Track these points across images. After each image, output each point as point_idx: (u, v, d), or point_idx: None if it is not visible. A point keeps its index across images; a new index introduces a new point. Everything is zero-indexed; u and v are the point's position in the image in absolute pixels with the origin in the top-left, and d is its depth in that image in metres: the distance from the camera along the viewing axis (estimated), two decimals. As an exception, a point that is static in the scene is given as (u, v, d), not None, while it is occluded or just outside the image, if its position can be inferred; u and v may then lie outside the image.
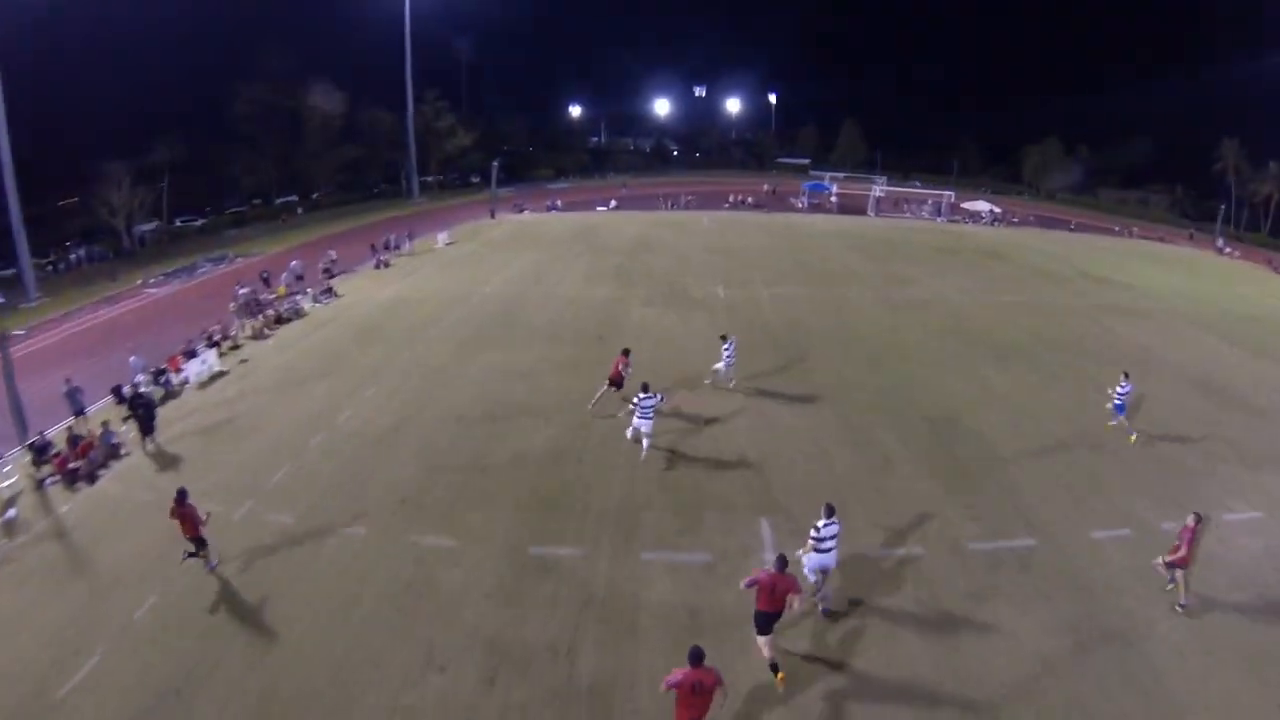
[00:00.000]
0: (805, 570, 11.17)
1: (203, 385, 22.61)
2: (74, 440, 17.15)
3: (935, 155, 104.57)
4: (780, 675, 9.72)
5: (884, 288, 34.62)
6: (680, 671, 8.10)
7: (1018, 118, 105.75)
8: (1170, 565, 11.72)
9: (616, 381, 18.41)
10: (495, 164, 60.12)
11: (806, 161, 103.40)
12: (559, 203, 62.58)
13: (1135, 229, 65.57)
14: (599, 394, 18.62)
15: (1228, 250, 60.16)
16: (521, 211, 60.13)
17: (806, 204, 66.19)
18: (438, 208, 66.83)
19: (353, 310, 30.77)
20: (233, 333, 26.98)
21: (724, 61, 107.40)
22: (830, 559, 11.12)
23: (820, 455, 17.08)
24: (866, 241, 47.73)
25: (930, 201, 66.65)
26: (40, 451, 17.05)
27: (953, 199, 65.00)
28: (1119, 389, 18.30)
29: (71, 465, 16.44)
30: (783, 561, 9.76)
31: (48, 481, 16.29)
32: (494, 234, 48.55)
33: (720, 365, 20.68)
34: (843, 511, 11.79)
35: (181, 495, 12.45)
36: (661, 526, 13.91)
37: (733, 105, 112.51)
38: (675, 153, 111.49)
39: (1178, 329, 30.45)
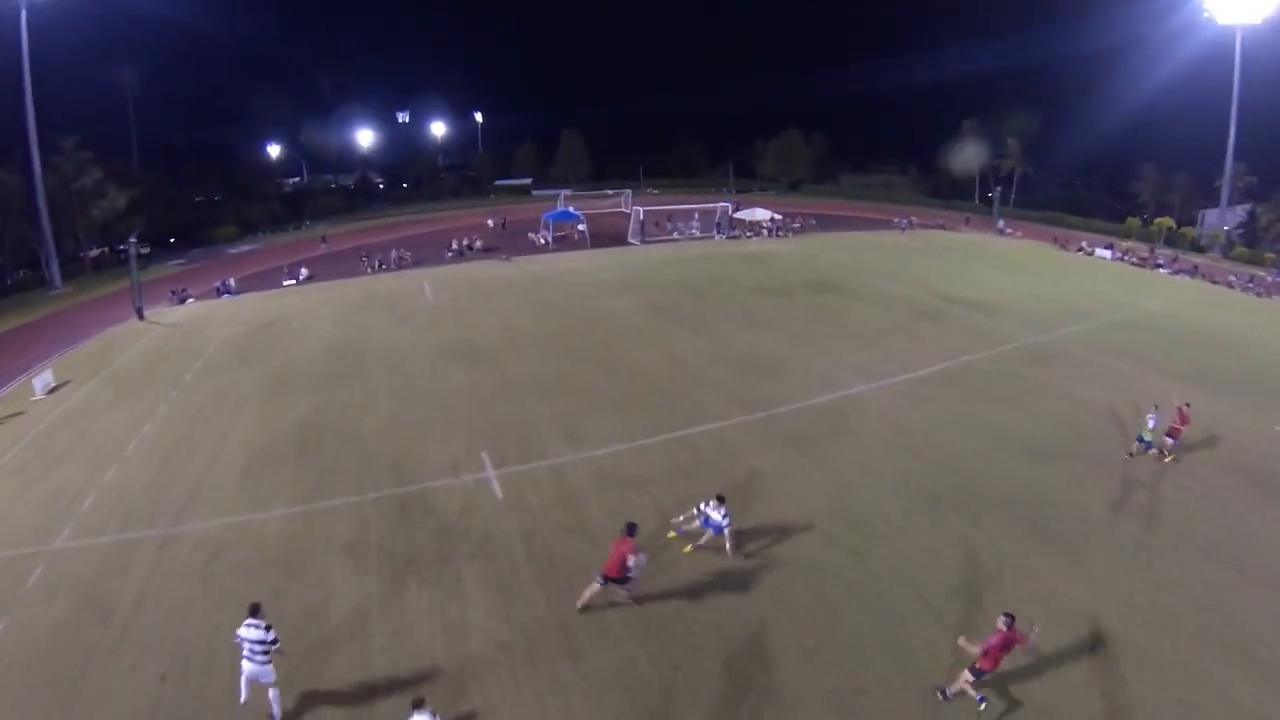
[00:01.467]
0: None
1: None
2: None
3: (660, 159, 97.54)
4: None
5: (750, 392, 20.87)
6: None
7: (738, 110, 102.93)
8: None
9: (618, 574, 11.30)
10: (133, 240, 37.64)
11: (528, 181, 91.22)
12: (232, 282, 41.29)
13: (914, 217, 60.40)
14: (589, 593, 11.54)
15: (1008, 230, 56.86)
16: (184, 301, 38.37)
17: (551, 239, 51.05)
18: (89, 299, 42.08)
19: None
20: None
21: (424, 85, 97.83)
22: None
23: None
24: (660, 291, 34.13)
25: (697, 216, 55.22)
26: None
27: (730, 210, 54.49)
28: None
29: None
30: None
31: None
32: (128, 357, 27.53)
33: None
34: None
35: None
36: None
37: (438, 129, 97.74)
38: (381, 185, 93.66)
39: (1113, 369, 24.07)
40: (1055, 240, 53.11)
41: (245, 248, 59.20)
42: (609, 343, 25.76)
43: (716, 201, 56.14)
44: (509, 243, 50.49)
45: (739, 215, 55.82)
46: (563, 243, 50.58)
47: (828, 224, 58.68)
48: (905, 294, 33.36)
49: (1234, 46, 51.80)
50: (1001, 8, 76.01)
